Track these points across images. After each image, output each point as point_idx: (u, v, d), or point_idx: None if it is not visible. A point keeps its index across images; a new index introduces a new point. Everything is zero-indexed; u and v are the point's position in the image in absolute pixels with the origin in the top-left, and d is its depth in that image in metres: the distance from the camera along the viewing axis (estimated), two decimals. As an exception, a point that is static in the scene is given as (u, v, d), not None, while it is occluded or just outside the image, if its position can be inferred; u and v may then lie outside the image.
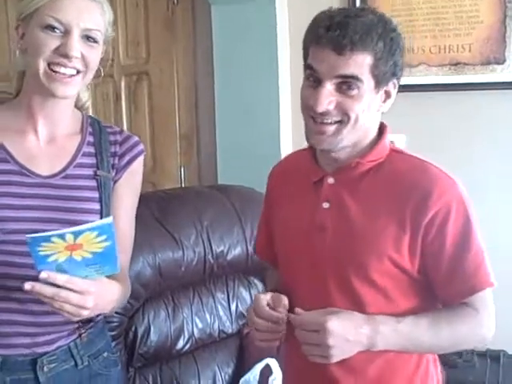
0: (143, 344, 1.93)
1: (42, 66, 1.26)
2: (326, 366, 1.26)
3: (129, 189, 1.43)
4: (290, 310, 1.27)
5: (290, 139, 2.60)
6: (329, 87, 1.20)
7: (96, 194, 1.36)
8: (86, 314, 1.19)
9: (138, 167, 1.43)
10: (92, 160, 1.38)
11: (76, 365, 1.38)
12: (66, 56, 1.25)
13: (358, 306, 1.25)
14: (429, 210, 1.21)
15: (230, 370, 2.08)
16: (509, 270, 2.06)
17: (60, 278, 1.14)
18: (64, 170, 1.35)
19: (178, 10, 2.74)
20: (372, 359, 1.27)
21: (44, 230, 1.28)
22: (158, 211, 2.04)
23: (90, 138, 1.41)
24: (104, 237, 1.13)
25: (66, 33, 1.25)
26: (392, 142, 2.41)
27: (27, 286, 1.13)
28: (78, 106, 1.41)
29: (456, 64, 2.40)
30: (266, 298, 1.28)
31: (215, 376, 2.04)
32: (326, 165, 1.32)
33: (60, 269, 1.14)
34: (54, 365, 1.35)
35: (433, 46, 2.42)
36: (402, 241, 1.23)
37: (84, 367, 1.39)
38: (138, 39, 2.78)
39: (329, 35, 1.19)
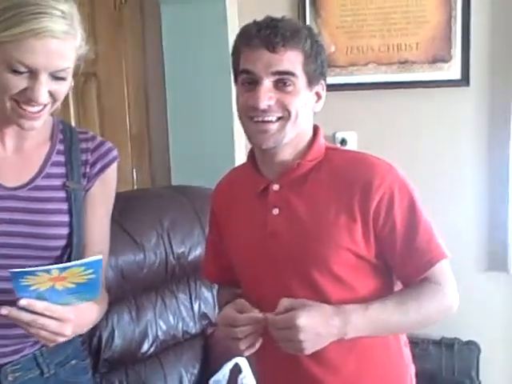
0: (108, 349, 1.91)
1: (8, 104, 1.20)
2: (303, 363, 1.31)
3: (102, 197, 1.40)
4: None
5: (244, 138, 2.60)
6: (267, 84, 1.26)
7: (65, 206, 1.32)
8: (62, 340, 1.17)
9: (111, 174, 1.40)
10: (61, 170, 1.34)
11: (42, 373, 1.36)
12: (32, 101, 1.19)
13: (322, 298, 1.28)
14: (373, 198, 1.27)
15: (195, 371, 2.08)
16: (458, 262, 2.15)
17: (39, 306, 1.11)
18: (32, 181, 1.31)
19: (126, 9, 2.70)
20: (347, 352, 1.32)
21: (10, 244, 1.26)
22: (118, 213, 1.98)
23: (60, 146, 1.36)
24: (90, 271, 1.11)
25: (33, 75, 1.18)
26: (344, 140, 2.49)
27: (3, 310, 1.10)
28: None
29: (404, 62, 2.46)
30: (232, 307, 1.29)
31: (181, 377, 2.04)
32: (268, 173, 1.36)
33: (40, 296, 1.12)
34: (18, 373, 1.33)
35: (382, 45, 2.48)
36: (354, 230, 1.28)
37: (50, 376, 1.37)
38: (85, 40, 2.72)
39: (261, 35, 1.25)
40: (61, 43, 1.17)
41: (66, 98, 2.76)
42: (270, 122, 1.28)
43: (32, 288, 1.10)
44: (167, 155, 2.69)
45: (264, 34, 1.25)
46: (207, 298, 2.17)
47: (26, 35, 1.14)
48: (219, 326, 1.33)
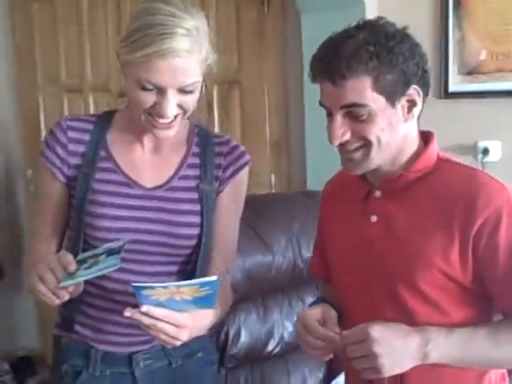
0: (234, 345, 1.98)
1: (142, 116, 1.29)
2: None
3: (233, 200, 1.44)
4: (342, 323, 1.28)
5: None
6: (339, 119, 1.19)
7: (197, 207, 1.39)
8: (179, 344, 1.22)
9: (242, 178, 1.45)
10: (196, 172, 1.40)
11: (170, 363, 1.45)
12: (162, 116, 1.27)
13: (408, 317, 1.22)
14: (476, 220, 1.18)
15: (320, 375, 2.10)
16: None
17: (158, 313, 1.16)
18: (168, 181, 1.39)
19: (269, 19, 2.78)
20: (429, 377, 1.23)
21: (147, 241, 1.34)
22: (249, 216, 2.07)
23: (196, 149, 1.42)
24: (207, 288, 1.14)
25: (161, 91, 1.24)
26: (487, 150, 2.33)
27: (127, 313, 1.16)
28: None
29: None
30: (315, 313, 1.27)
31: (305, 379, 2.06)
32: (372, 178, 1.31)
33: (160, 304, 1.17)
34: (149, 362, 1.43)
35: (530, 49, 2.35)
36: (451, 251, 1.20)
37: (177, 366, 1.45)
38: (230, 49, 2.85)
39: (321, 69, 1.19)
40: (184, 61, 1.23)
41: (211, 104, 2.96)
42: (352, 150, 1.23)
43: (152, 298, 1.15)
44: (304, 162, 2.73)
45: (323, 68, 1.18)
46: (334, 302, 2.17)
47: (152, 57, 1.21)
48: (296, 323, 1.31)
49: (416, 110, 1.24)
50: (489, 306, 1.26)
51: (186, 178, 1.40)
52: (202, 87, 1.33)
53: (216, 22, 2.83)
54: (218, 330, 1.96)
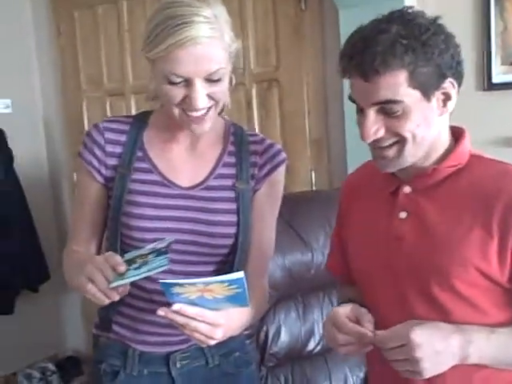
0: (274, 344, 1.98)
1: (176, 112, 1.29)
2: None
3: (269, 198, 1.43)
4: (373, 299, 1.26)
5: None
6: (371, 115, 1.16)
7: (234, 206, 1.38)
8: (213, 343, 1.21)
9: (278, 177, 1.43)
10: (232, 171, 1.40)
11: (207, 363, 1.44)
12: (194, 108, 1.26)
13: (443, 315, 1.18)
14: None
15: (361, 374, 2.07)
16: None
17: (190, 311, 1.16)
18: (204, 181, 1.39)
19: (306, 16, 2.76)
20: (467, 377, 1.19)
21: (182, 241, 1.34)
22: (288, 213, 2.07)
23: (232, 148, 1.42)
24: (235, 286, 1.13)
25: (188, 83, 1.24)
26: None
27: (160, 312, 1.16)
28: (219, 111, 1.40)
29: None
30: (345, 311, 1.23)
31: (347, 379, 2.04)
32: (401, 173, 1.26)
33: (191, 303, 1.16)
34: (186, 361, 1.43)
35: None
36: (489, 248, 1.16)
37: (214, 366, 1.45)
38: (268, 47, 2.84)
39: (352, 65, 1.15)
40: (206, 48, 1.22)
41: (250, 103, 2.96)
42: (386, 147, 1.19)
43: (183, 296, 1.15)
44: (344, 159, 2.70)
45: (355, 65, 1.14)
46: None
47: (172, 47, 1.21)
48: (325, 323, 1.27)
49: (450, 104, 1.20)
50: None
51: (221, 176, 1.39)
52: (231, 77, 1.32)
53: (254, 21, 2.83)
54: (258, 330, 1.94)
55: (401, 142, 1.18)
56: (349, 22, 2.61)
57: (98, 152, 1.39)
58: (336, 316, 1.23)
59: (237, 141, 1.43)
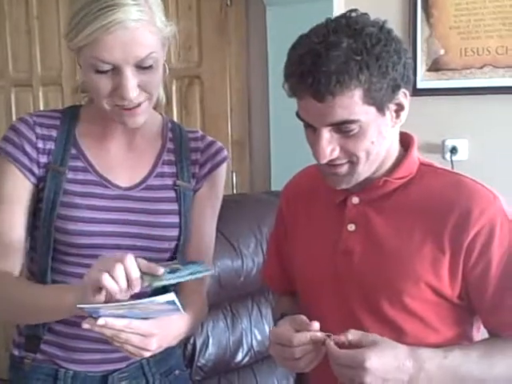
0: (202, 356, 1.88)
1: (106, 105, 1.19)
2: None
3: (210, 198, 1.36)
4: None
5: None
6: (326, 135, 1.10)
7: (175, 206, 1.30)
8: (148, 354, 1.12)
9: (220, 175, 1.36)
10: (172, 169, 1.32)
11: (147, 382, 1.33)
12: (124, 98, 1.16)
13: (394, 333, 1.14)
14: (470, 230, 1.11)
15: (289, 384, 2.02)
16: None
17: (118, 324, 1.06)
18: (144, 180, 1.29)
19: (231, 12, 2.68)
20: None
21: (123, 246, 1.24)
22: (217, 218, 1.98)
23: (170, 145, 1.33)
24: (166, 306, 1.07)
25: (117, 70, 1.14)
26: (455, 149, 2.29)
27: (85, 325, 1.06)
28: (154, 106, 1.31)
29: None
30: (285, 327, 1.14)
31: (275, 390, 1.98)
32: None
33: (119, 315, 1.07)
34: (124, 382, 1.31)
35: (499, 46, 2.31)
36: (440, 263, 1.13)
37: None
38: (190, 42, 2.74)
39: (302, 85, 1.07)
40: (134, 32, 1.12)
41: (170, 100, 2.83)
42: (339, 165, 1.13)
43: (108, 312, 1.06)
44: (268, 161, 2.65)
45: (306, 85, 1.06)
46: (305, 309, 2.10)
47: (98, 33, 1.11)
48: (271, 344, 1.18)
49: (404, 114, 1.15)
50: (472, 321, 1.21)
51: (162, 175, 1.31)
52: (164, 66, 1.22)
53: (176, 15, 2.72)
54: (185, 342, 1.84)
55: (354, 161, 1.13)
56: (276, 20, 2.58)
57: (28, 149, 1.25)
58: (281, 334, 1.14)
59: (176, 137, 1.34)
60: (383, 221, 1.18)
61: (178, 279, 1.12)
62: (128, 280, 1.06)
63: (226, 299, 1.98)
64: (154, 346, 1.10)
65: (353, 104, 1.06)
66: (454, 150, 2.39)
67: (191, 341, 1.87)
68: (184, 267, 1.15)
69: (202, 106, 2.79)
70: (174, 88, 2.80)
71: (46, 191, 1.24)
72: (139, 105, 1.18)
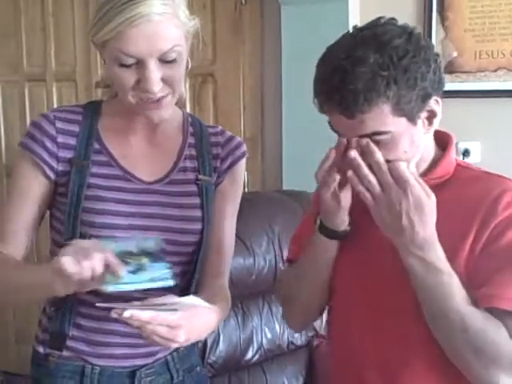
0: (212, 353, 1.89)
1: (130, 98, 1.20)
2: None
3: (231, 192, 1.37)
4: (345, 330, 1.23)
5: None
6: (355, 144, 1.10)
7: (197, 200, 1.31)
8: (176, 346, 1.13)
9: (240, 170, 1.37)
10: (194, 163, 1.33)
11: (172, 378, 1.34)
12: (148, 92, 1.17)
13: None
14: (498, 214, 1.12)
15: (299, 383, 2.01)
16: None
17: (144, 316, 1.06)
18: (168, 175, 1.30)
19: (246, 11, 2.68)
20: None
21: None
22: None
23: (191, 140, 1.34)
24: None
25: (141, 63, 1.16)
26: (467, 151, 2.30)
27: (114, 314, 1.06)
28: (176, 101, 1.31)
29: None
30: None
31: (284, 389, 1.99)
32: None
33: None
34: (150, 378, 1.31)
35: (514, 49, 2.31)
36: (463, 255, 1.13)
37: (178, 382, 1.35)
38: (205, 40, 2.73)
39: (331, 103, 1.08)
40: (158, 25, 1.14)
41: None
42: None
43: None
44: (280, 160, 2.65)
45: (334, 104, 1.07)
46: (315, 308, 2.10)
47: (122, 26, 1.12)
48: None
49: (436, 120, 1.15)
50: None
51: (185, 170, 1.32)
52: (187, 62, 1.24)
53: (190, 11, 2.71)
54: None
55: None
56: (291, 19, 2.58)
57: (48, 144, 1.26)
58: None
59: (196, 132, 1.35)
60: None
61: (138, 285, 1.09)
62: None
63: (237, 297, 1.96)
64: (182, 337, 1.10)
65: (383, 117, 1.07)
66: (466, 153, 2.39)
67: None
68: (150, 266, 1.11)
69: (215, 103, 2.78)
70: (187, 85, 2.80)
71: (71, 185, 1.25)
72: (163, 97, 1.19)
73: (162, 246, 1.16)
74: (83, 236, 1.22)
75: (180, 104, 1.35)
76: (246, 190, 2.78)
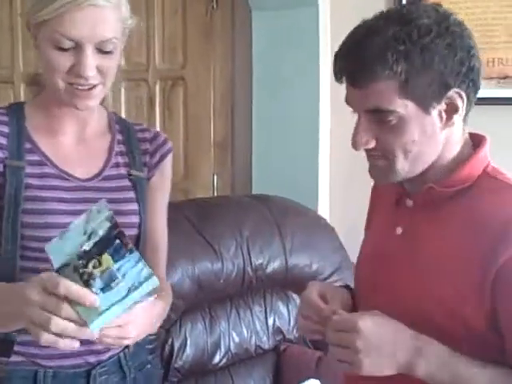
0: (179, 358, 1.87)
1: (60, 84, 1.19)
2: None
3: (161, 187, 1.40)
4: None
5: (328, 150, 2.53)
6: (364, 122, 1.06)
7: (133, 194, 1.33)
8: (130, 342, 1.13)
9: (168, 165, 1.41)
10: (124, 159, 1.35)
11: (124, 376, 1.33)
12: (81, 77, 1.17)
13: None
14: (507, 246, 0.99)
15: (266, 387, 2.01)
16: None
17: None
18: (101, 171, 1.32)
19: (217, 16, 2.69)
20: None
21: None
22: (198, 220, 1.99)
23: (119, 137, 1.37)
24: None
25: (78, 48, 1.16)
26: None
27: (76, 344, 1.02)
28: (101, 101, 1.31)
29: (504, 78, 2.32)
30: (318, 287, 1.15)
31: (251, 393, 1.98)
32: (407, 183, 1.14)
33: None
34: (105, 377, 1.30)
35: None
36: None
37: (131, 379, 1.34)
38: (175, 44, 2.73)
39: (342, 68, 1.07)
40: (103, 12, 1.15)
41: (153, 100, 2.83)
42: (376, 156, 1.09)
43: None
44: (249, 164, 2.65)
45: (344, 68, 1.06)
46: (282, 312, 2.10)
47: (67, 7, 1.12)
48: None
49: (457, 117, 1.06)
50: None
51: (117, 165, 1.34)
52: (120, 55, 1.25)
53: (161, 16, 2.71)
54: (162, 343, 1.84)
55: (390, 158, 1.07)
56: (262, 24, 2.58)
57: None
58: (309, 287, 1.15)
59: (123, 129, 1.38)
60: (431, 230, 1.10)
61: (120, 307, 1.00)
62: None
63: (204, 301, 1.97)
64: (133, 332, 1.10)
65: (387, 94, 1.02)
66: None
67: (169, 342, 1.86)
68: (119, 270, 1.01)
69: (185, 107, 2.78)
70: (157, 89, 2.79)
71: (8, 187, 1.22)
72: (93, 87, 1.20)
73: (113, 219, 1.09)
74: (23, 238, 1.21)
75: (105, 104, 1.37)
76: (216, 193, 2.78)
